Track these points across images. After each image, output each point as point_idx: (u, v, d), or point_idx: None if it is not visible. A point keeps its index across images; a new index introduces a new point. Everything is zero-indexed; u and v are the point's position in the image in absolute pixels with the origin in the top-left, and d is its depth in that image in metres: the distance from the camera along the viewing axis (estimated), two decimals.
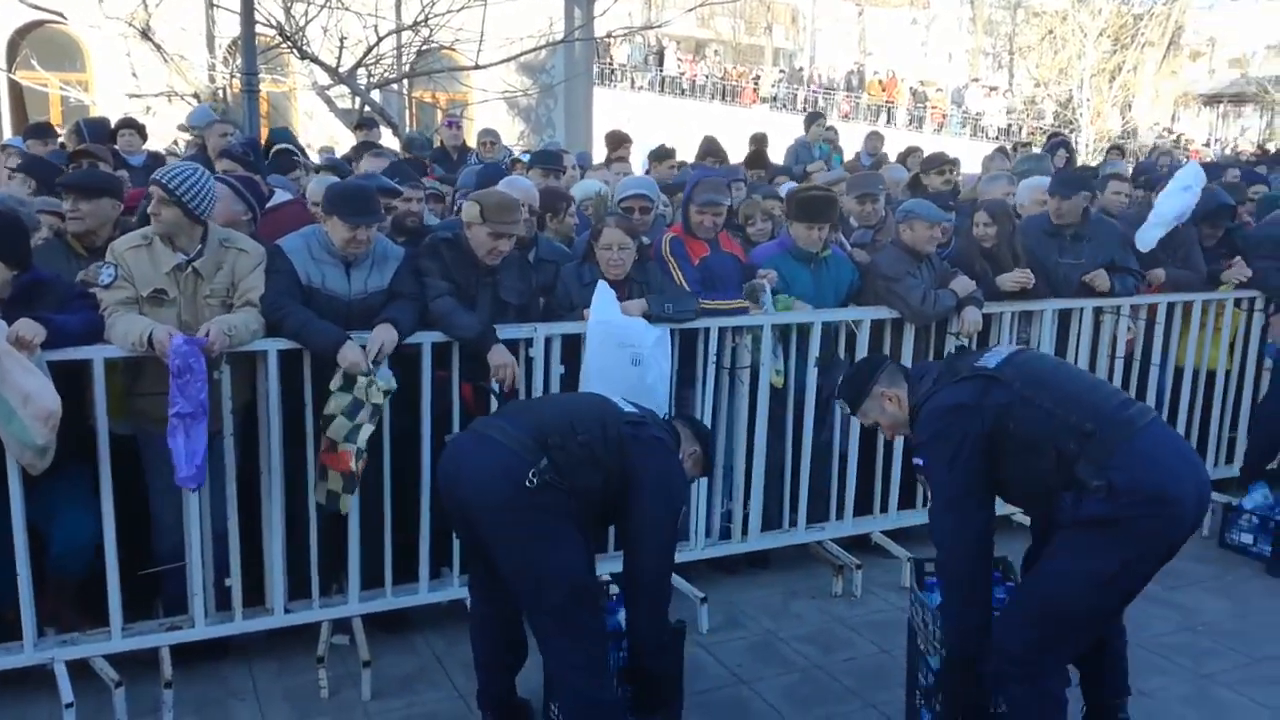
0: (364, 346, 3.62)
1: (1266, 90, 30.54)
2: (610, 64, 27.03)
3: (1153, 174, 7.79)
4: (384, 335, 3.68)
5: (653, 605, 3.22)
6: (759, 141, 8.69)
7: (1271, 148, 22.57)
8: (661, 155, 7.68)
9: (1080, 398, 2.85)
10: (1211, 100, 33.98)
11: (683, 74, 28.75)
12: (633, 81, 27.50)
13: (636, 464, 3.09)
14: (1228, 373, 5.67)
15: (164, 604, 3.83)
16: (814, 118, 10.12)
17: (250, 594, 3.79)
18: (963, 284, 4.82)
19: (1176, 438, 2.93)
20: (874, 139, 10.07)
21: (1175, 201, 5.40)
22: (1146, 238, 5.39)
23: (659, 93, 27.76)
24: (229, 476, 3.62)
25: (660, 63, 28.56)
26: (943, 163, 6.97)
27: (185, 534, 3.60)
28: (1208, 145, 28.87)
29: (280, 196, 4.75)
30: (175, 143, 10.69)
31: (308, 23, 10.89)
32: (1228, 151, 24.93)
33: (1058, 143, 11.01)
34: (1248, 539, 5.07)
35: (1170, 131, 28.37)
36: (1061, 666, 2.94)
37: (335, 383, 3.59)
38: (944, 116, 28.48)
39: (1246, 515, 5.09)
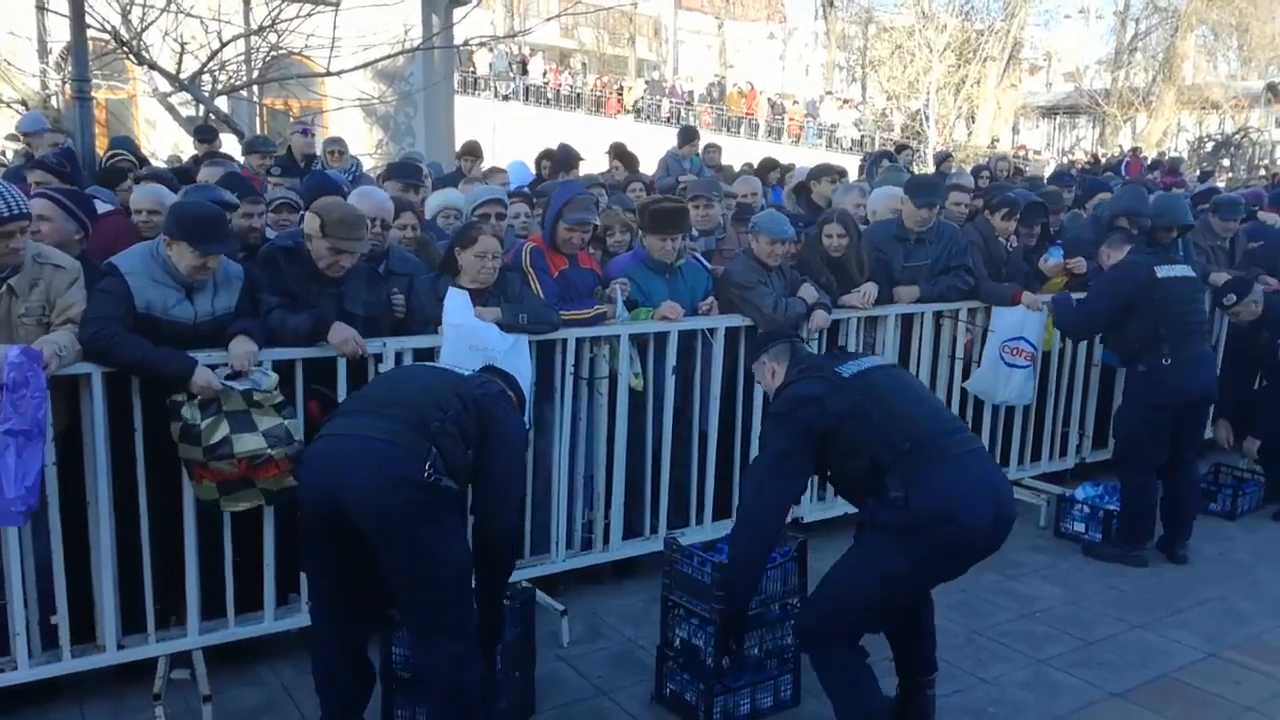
0: (215, 368, 3.47)
1: (1098, 102, 32.54)
2: (473, 73, 26.79)
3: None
4: (244, 348, 3.54)
5: (507, 554, 3.35)
6: (619, 151, 8.74)
7: (1103, 156, 24.08)
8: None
9: (909, 419, 3.16)
10: (1049, 112, 36.02)
11: (547, 83, 28.74)
12: (496, 90, 27.35)
13: (490, 419, 3.19)
14: (1061, 353, 5.93)
15: None
16: (689, 134, 10.21)
17: (81, 630, 3.57)
18: (810, 291, 4.95)
19: (988, 471, 3.22)
20: (712, 151, 10.29)
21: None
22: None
23: (523, 102, 27.68)
24: (52, 506, 3.39)
25: (524, 72, 28.48)
26: (831, 172, 7.16)
27: (4, 570, 3.36)
28: (1039, 154, 30.60)
29: (101, 208, 4.48)
30: (3, 152, 10.06)
31: (145, 27, 10.37)
32: (1064, 160, 26.44)
33: (899, 147, 11.48)
34: (1080, 527, 5.36)
35: (1023, 148, 30.07)
36: (850, 640, 3.27)
37: (195, 415, 3.41)
38: (800, 128, 29.31)
39: (1079, 505, 5.39)
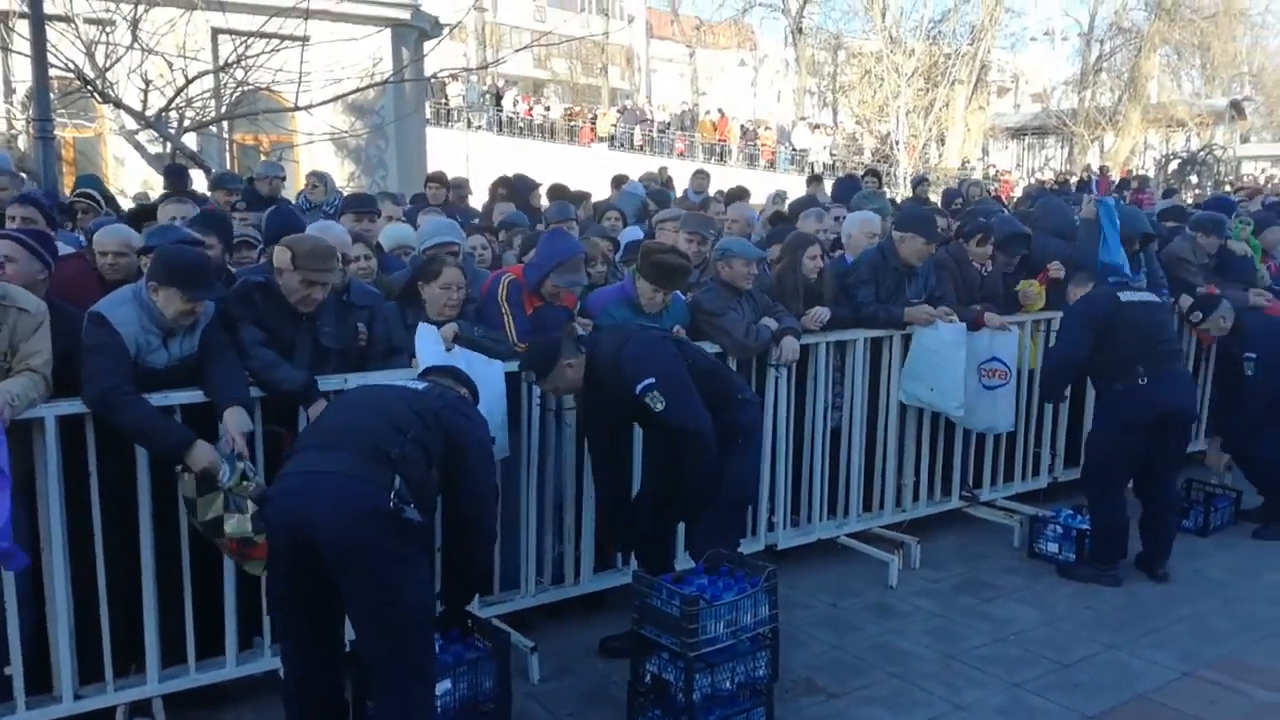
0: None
1: (1065, 123, 32.93)
2: (446, 104, 26.84)
3: (979, 205, 8.34)
4: (237, 425, 3.49)
5: (487, 541, 3.53)
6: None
7: (1070, 176, 24.34)
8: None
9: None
10: (1018, 133, 36.36)
11: (518, 113, 28.82)
12: (469, 121, 27.40)
13: (455, 430, 3.22)
14: (1032, 374, 5.90)
15: None
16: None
17: (36, 680, 3.47)
18: (771, 323, 4.93)
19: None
20: (700, 177, 10.30)
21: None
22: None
23: (496, 132, 27.74)
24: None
25: (497, 102, 28.55)
26: (816, 207, 7.21)
27: None
28: (1009, 174, 30.96)
29: (61, 250, 4.41)
30: None
31: (110, 65, 10.32)
32: (1033, 180, 26.72)
33: (868, 172, 11.59)
34: (1054, 548, 5.34)
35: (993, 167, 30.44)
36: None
37: (190, 490, 3.38)
38: (773, 154, 29.49)
39: (1052, 525, 5.37)
